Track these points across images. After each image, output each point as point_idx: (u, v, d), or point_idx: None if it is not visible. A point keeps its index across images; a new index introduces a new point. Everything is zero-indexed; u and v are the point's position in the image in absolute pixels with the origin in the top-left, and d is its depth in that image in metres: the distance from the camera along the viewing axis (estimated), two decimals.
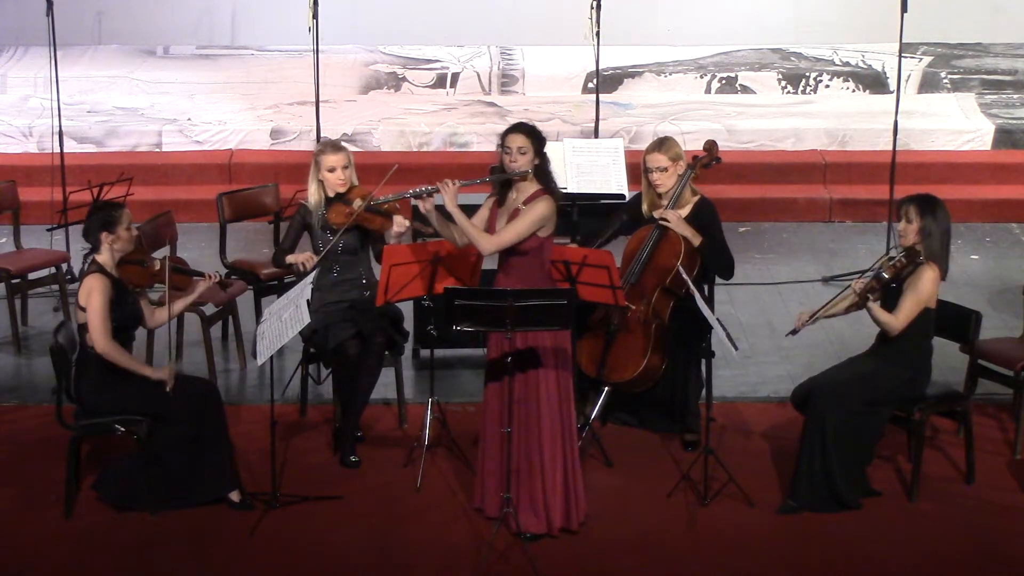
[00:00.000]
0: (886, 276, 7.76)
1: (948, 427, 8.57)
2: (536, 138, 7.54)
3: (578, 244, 8.69)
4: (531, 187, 7.56)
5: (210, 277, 8.16)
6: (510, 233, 7.49)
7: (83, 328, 7.80)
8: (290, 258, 8.49)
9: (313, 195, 8.47)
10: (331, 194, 8.44)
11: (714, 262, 8.46)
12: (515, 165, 7.52)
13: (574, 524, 7.67)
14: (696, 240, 8.35)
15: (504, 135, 7.57)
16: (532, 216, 7.48)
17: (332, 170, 8.41)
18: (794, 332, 8.03)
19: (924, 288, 7.80)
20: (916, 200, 7.90)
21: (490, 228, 7.61)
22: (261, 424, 8.43)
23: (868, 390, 7.83)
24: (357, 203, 8.32)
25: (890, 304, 7.84)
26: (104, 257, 7.85)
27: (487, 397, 7.70)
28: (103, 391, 7.80)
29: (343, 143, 8.68)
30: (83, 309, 7.77)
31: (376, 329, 8.37)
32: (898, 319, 7.80)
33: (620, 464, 8.36)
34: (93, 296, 7.73)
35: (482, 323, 7.35)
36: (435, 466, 8.28)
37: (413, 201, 7.72)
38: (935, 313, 7.92)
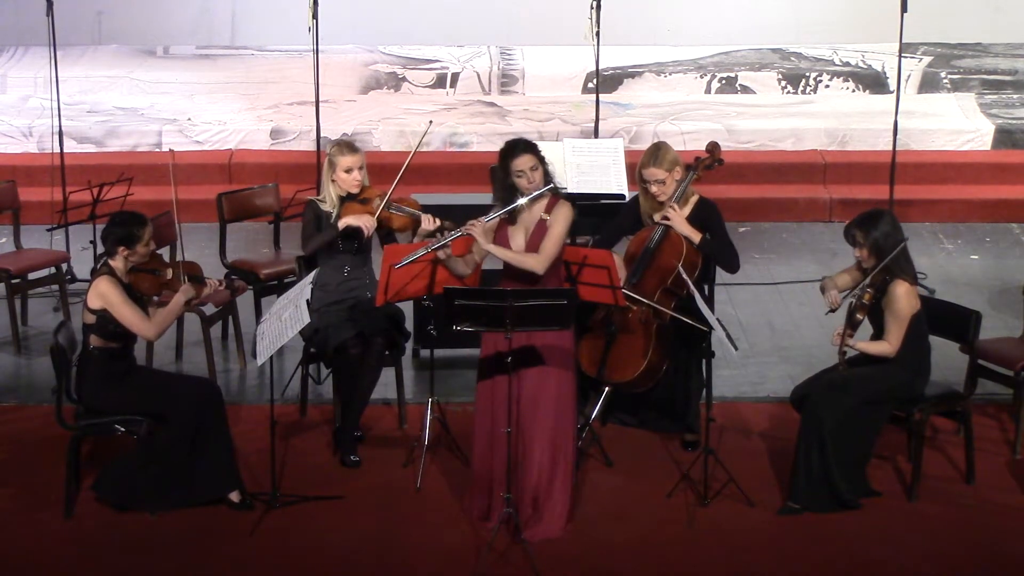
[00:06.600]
0: (860, 317, 7.77)
1: (948, 427, 8.57)
2: (537, 150, 7.61)
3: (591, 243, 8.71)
4: (545, 196, 7.60)
5: (212, 283, 8.09)
6: (553, 245, 7.52)
7: (88, 329, 7.77)
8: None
9: (330, 196, 8.43)
10: (343, 194, 8.44)
11: (718, 257, 8.46)
12: (532, 185, 7.54)
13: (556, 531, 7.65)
14: (696, 237, 8.36)
15: (509, 160, 7.54)
16: (564, 222, 7.55)
17: (349, 171, 8.39)
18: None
19: (901, 307, 7.80)
20: (857, 222, 7.90)
21: (503, 246, 7.60)
22: (261, 424, 8.42)
23: (866, 391, 7.83)
24: (376, 201, 8.31)
25: (874, 322, 7.85)
26: (117, 264, 7.83)
27: (479, 396, 7.70)
28: (104, 391, 7.80)
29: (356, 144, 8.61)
30: (92, 311, 7.73)
31: (377, 330, 8.37)
32: (891, 344, 7.82)
33: (620, 464, 8.36)
34: (110, 296, 7.69)
35: (482, 323, 7.35)
36: (435, 466, 8.28)
37: (439, 254, 7.68)
38: (925, 313, 7.93)
